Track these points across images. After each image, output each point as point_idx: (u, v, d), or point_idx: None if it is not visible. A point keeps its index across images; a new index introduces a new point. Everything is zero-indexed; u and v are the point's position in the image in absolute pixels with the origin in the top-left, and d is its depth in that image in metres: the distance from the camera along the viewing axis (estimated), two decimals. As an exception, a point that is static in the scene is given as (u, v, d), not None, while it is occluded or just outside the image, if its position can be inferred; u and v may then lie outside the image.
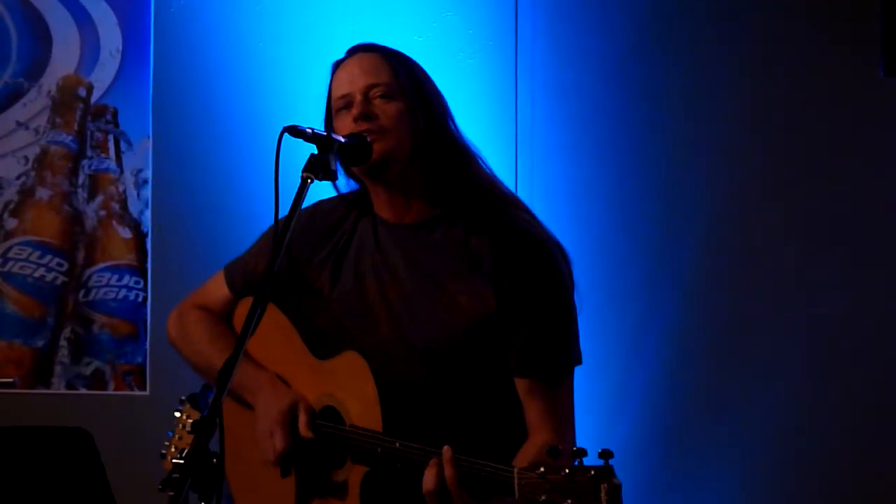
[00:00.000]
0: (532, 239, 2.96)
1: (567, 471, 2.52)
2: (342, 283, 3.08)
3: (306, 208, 3.16)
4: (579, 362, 2.99)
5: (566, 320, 2.96)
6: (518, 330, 2.93)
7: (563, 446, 2.86)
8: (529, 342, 2.92)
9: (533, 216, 3.04)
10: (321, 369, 3.02)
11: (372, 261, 3.05)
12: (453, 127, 3.04)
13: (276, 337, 3.13)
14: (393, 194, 3.02)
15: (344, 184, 3.09)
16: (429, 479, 2.74)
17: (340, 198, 3.13)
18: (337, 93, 3.00)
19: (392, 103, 2.95)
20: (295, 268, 3.16)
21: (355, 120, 2.94)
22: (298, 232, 3.14)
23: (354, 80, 2.98)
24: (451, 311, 2.94)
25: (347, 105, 2.97)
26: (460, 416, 2.94)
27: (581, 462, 2.53)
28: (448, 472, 2.73)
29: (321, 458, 3.00)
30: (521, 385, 2.95)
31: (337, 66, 3.04)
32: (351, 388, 2.94)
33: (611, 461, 2.50)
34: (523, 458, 2.86)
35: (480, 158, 3.06)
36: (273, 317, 3.13)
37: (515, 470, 2.60)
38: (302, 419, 2.98)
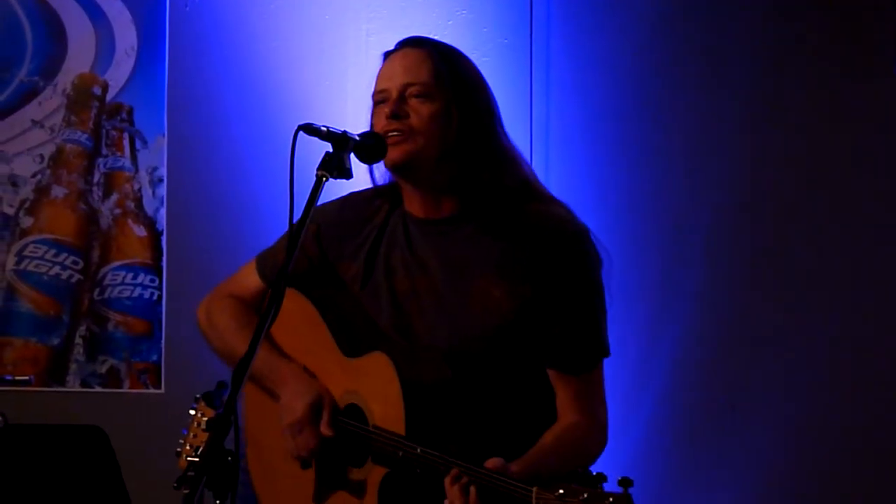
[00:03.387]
0: (564, 231, 2.94)
1: (585, 495, 2.51)
2: (374, 280, 3.08)
3: (338, 199, 3.17)
4: (608, 354, 2.99)
5: (597, 312, 2.96)
6: (549, 321, 2.92)
7: (594, 422, 2.90)
8: (561, 333, 2.92)
9: (569, 211, 3.02)
10: (348, 367, 3.03)
11: (402, 256, 3.04)
12: (498, 129, 3.02)
13: (304, 329, 3.13)
14: (423, 192, 3.01)
15: (380, 176, 3.09)
16: (455, 495, 2.75)
17: (375, 190, 3.13)
18: (377, 86, 3.00)
19: (426, 104, 2.94)
20: (325, 259, 3.16)
21: (387, 117, 2.94)
22: (329, 223, 3.14)
23: (393, 77, 2.97)
24: (484, 305, 2.94)
25: (384, 100, 2.97)
26: (485, 419, 2.93)
27: (601, 487, 2.53)
28: (471, 495, 2.73)
29: (342, 455, 3.01)
30: (551, 373, 2.96)
31: (385, 57, 3.04)
32: (376, 389, 2.95)
33: (630, 489, 2.49)
34: (550, 434, 2.88)
35: (521, 160, 3.05)
36: (303, 308, 3.14)
37: (534, 490, 2.59)
38: (324, 416, 2.99)
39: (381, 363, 2.92)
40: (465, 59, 3.05)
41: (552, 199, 3.04)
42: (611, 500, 2.49)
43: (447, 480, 2.73)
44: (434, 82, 2.96)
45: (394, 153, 2.93)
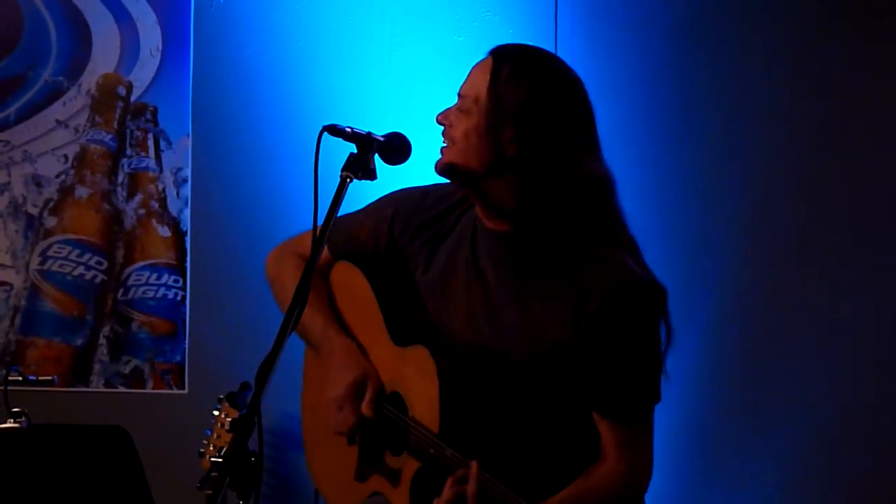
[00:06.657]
0: (626, 280, 2.88)
1: None
2: (433, 268, 3.06)
3: (420, 188, 3.15)
4: (658, 401, 2.95)
5: (650, 365, 2.92)
6: (599, 368, 2.88)
7: (631, 474, 2.89)
8: (610, 383, 2.89)
9: (638, 259, 2.93)
10: (395, 354, 3.04)
11: (465, 259, 3.02)
12: (571, 154, 2.89)
13: (358, 309, 3.15)
14: (480, 202, 2.98)
15: None
16: (446, 494, 2.76)
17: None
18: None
19: (463, 119, 2.91)
20: (394, 244, 3.13)
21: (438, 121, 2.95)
22: (406, 209, 3.12)
23: (463, 84, 2.95)
24: (530, 328, 2.91)
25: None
26: (520, 434, 2.93)
27: None
28: (471, 487, 2.74)
29: (385, 438, 3.02)
30: (596, 416, 2.93)
31: None
32: (416, 383, 2.96)
33: None
34: (582, 482, 2.87)
35: (598, 192, 2.93)
36: (360, 289, 3.14)
37: None
38: (367, 396, 3.00)
39: (423, 359, 2.93)
40: (550, 78, 2.93)
41: (619, 240, 2.94)
42: None
43: (449, 480, 2.77)
44: (475, 99, 2.90)
45: (439, 159, 2.93)
